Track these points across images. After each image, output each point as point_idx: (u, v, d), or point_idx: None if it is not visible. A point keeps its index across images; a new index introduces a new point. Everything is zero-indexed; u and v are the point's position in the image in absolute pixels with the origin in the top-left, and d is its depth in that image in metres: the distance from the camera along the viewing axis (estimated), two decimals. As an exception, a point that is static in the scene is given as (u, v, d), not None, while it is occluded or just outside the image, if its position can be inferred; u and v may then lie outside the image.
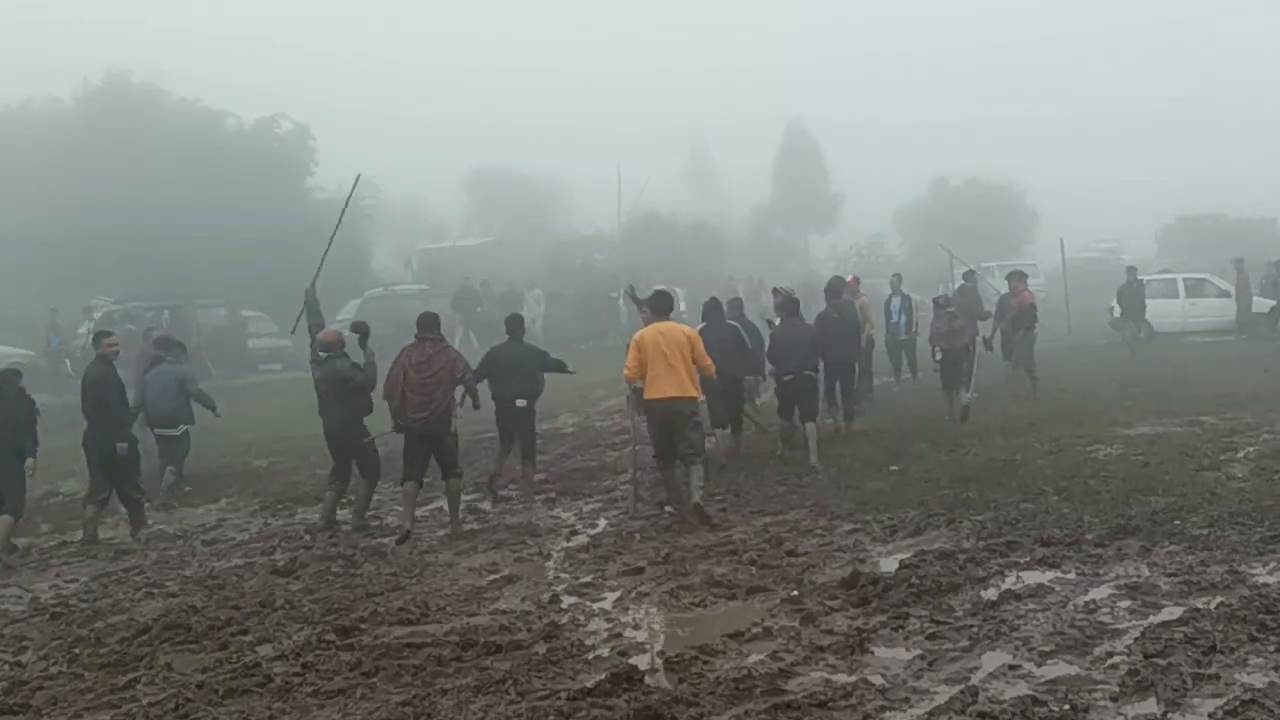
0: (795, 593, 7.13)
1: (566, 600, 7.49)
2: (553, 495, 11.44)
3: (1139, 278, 23.23)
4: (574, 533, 9.66)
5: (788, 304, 13.29)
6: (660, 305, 10.35)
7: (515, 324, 12.17)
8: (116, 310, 26.85)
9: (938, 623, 6.40)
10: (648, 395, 9.81)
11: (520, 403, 11.48)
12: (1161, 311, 26.11)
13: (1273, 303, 25.06)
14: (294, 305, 30.63)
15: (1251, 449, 11.23)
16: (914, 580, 7.14)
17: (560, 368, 12.03)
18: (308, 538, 10.15)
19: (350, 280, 34.79)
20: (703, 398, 10.27)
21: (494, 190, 56.09)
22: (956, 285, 21.25)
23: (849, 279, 17.81)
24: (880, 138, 71.70)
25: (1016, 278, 17.70)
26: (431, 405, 10.05)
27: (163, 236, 32.92)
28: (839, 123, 64.56)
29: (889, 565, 7.78)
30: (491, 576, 8.25)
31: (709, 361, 10.04)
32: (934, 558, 7.78)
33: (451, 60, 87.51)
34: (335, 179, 39.82)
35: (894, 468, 11.33)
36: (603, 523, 9.99)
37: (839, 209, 59.66)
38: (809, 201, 58.06)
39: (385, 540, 9.84)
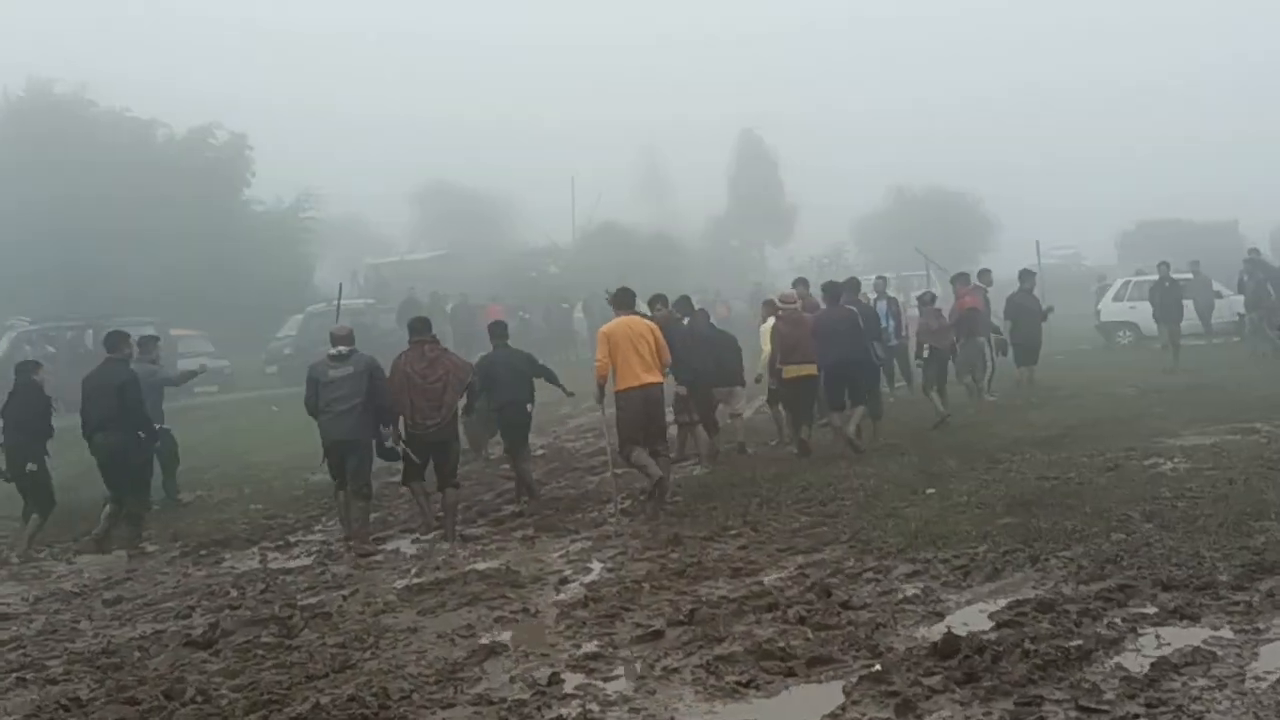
0: (877, 667, 5.41)
1: (571, 680, 5.71)
2: (531, 533, 9.64)
3: (1172, 275, 20.49)
4: (564, 581, 7.87)
5: (830, 290, 13.06)
6: (623, 300, 10.48)
7: (500, 330, 11.78)
8: (34, 330, 24.73)
9: (1087, 710, 4.72)
10: (622, 385, 9.95)
11: (529, 407, 11.35)
12: (1146, 314, 24.92)
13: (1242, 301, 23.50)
14: (231, 322, 28.81)
15: (1341, 461, 9.73)
16: (1027, 645, 5.46)
17: (552, 376, 11.73)
18: (234, 594, 8.27)
19: (292, 296, 32.82)
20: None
21: (441, 205, 54.06)
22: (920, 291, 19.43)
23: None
24: (835, 146, 70.43)
25: (960, 280, 16.16)
26: (443, 409, 9.85)
27: (89, 252, 30.76)
28: (794, 133, 63.46)
29: (979, 621, 6.11)
30: (468, 645, 6.46)
31: (669, 355, 10.43)
32: (1034, 610, 6.13)
33: (396, 72, 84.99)
34: (274, 190, 38.04)
35: (930, 490, 9.68)
36: (597, 566, 8.21)
37: (795, 219, 58.52)
38: (765, 212, 56.76)
39: (330, 593, 8.00)
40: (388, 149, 67.02)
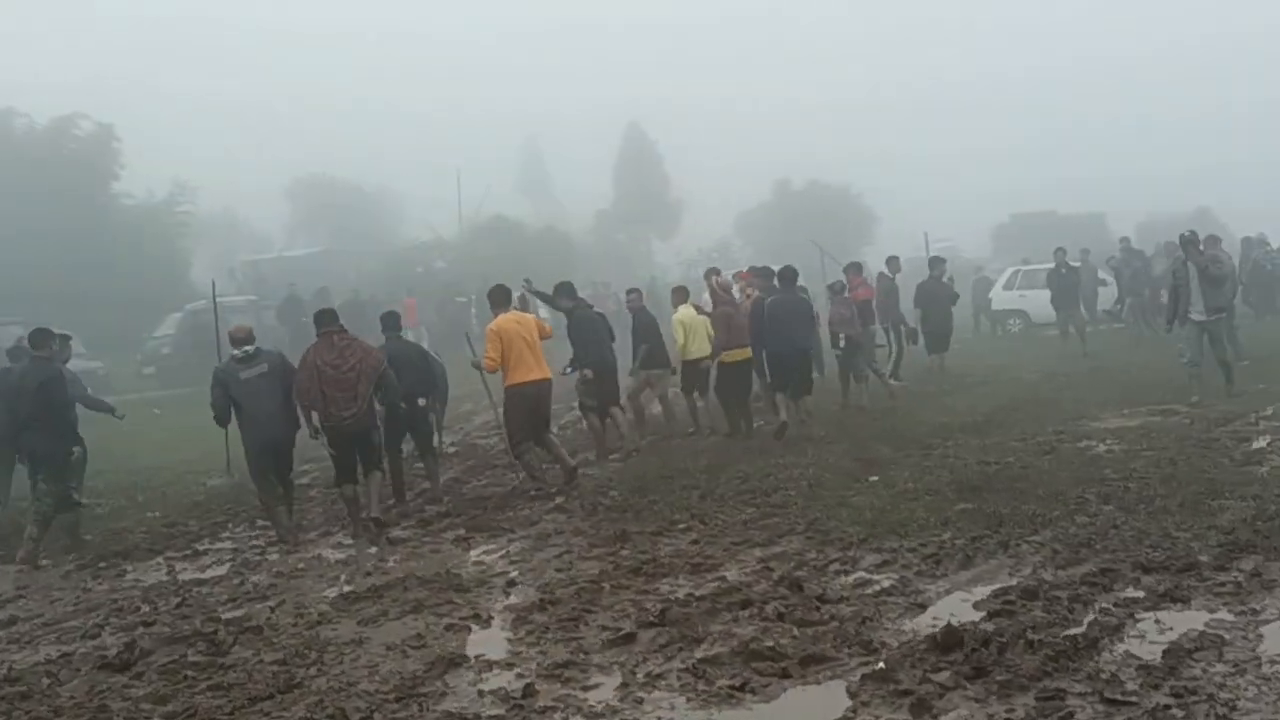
0: (880, 664, 5.09)
1: (546, 691, 5.27)
2: (463, 533, 9.11)
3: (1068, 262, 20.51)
4: (512, 583, 7.38)
5: (785, 274, 13.01)
6: (500, 298, 10.79)
7: (392, 320, 11.44)
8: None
9: (1114, 703, 4.48)
10: (516, 379, 10.42)
11: (421, 400, 10.86)
12: (1040, 301, 25.42)
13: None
14: (102, 321, 27.27)
15: (1268, 439, 9.84)
16: (1029, 635, 5.22)
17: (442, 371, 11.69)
18: (145, 609, 7.57)
19: (168, 294, 31.29)
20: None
21: (317, 199, 52.55)
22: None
23: (742, 271, 16.09)
24: (718, 140, 70.85)
25: (853, 270, 16.07)
26: (358, 400, 9.49)
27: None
28: (678, 127, 63.49)
29: (965, 611, 5.87)
30: (422, 656, 5.95)
31: (550, 331, 11.21)
32: (1020, 598, 5.92)
33: (262, 61, 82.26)
34: (144, 184, 36.25)
35: (873, 478, 9.47)
36: (544, 566, 7.73)
37: (681, 214, 58.62)
38: (651, 206, 56.70)
39: (255, 605, 7.37)
40: (257, 142, 65.19)
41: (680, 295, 14.08)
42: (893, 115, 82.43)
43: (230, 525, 10.45)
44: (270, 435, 9.45)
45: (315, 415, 9.58)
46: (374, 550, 8.84)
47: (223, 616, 7.11)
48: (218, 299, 29.24)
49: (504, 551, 8.35)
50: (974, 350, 21.06)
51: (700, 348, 13.35)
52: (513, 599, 7.01)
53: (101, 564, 9.14)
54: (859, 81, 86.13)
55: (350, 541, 9.30)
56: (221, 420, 9.69)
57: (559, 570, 7.55)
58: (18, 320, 25.89)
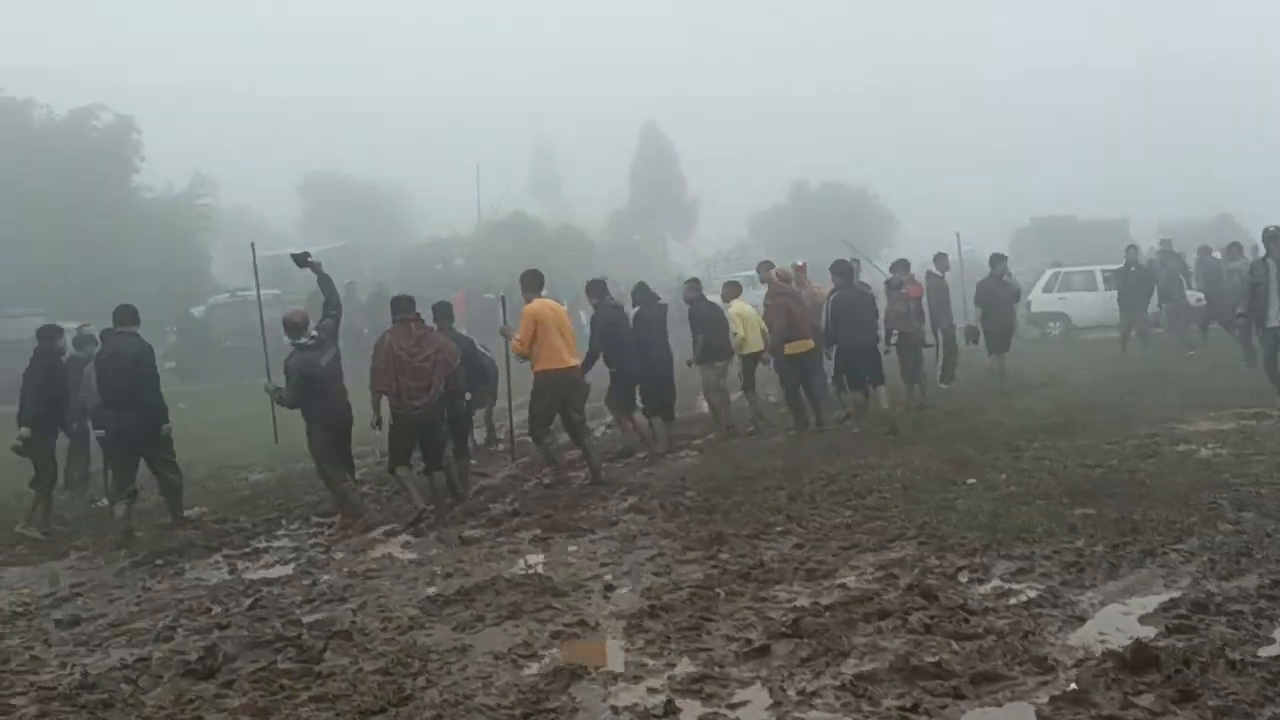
0: (1073, 685, 4.59)
1: (689, 710, 4.78)
2: (539, 533, 8.61)
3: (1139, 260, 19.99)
4: (610, 587, 6.89)
5: (840, 268, 12.96)
6: (534, 282, 10.63)
7: (444, 310, 11.27)
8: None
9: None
10: (548, 365, 10.24)
11: (467, 395, 10.57)
12: (1082, 304, 24.97)
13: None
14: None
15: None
16: (1228, 655, 4.72)
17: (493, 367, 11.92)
18: (216, 610, 7.08)
19: (190, 287, 30.83)
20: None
21: (332, 195, 52.02)
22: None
23: (799, 264, 15.52)
24: (736, 143, 70.34)
25: (901, 267, 15.50)
26: (431, 390, 9.31)
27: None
28: (694, 128, 62.98)
29: (1130, 625, 5.40)
30: (537, 667, 5.47)
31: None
32: (1193, 611, 5.43)
33: (277, 56, 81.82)
34: (164, 177, 35.69)
35: (971, 481, 8.97)
36: (640, 569, 7.22)
37: (697, 214, 58.14)
38: (666, 206, 56.20)
39: (335, 608, 6.87)
40: (268, 139, 64.70)
41: (733, 290, 13.88)
42: (906, 117, 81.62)
43: (284, 522, 9.96)
44: (346, 417, 9.50)
45: (385, 403, 9.37)
46: (447, 550, 8.33)
47: (303, 620, 6.61)
48: (239, 293, 28.96)
49: (589, 553, 7.84)
50: (1017, 352, 20.48)
51: (756, 342, 13.13)
52: (616, 604, 6.51)
53: (158, 561, 8.63)
54: (869, 83, 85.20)
55: (417, 540, 8.82)
56: (294, 406, 9.54)
57: (657, 574, 7.05)
58: (40, 312, 25.51)
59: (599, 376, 11.99)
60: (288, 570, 8.13)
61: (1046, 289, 25.80)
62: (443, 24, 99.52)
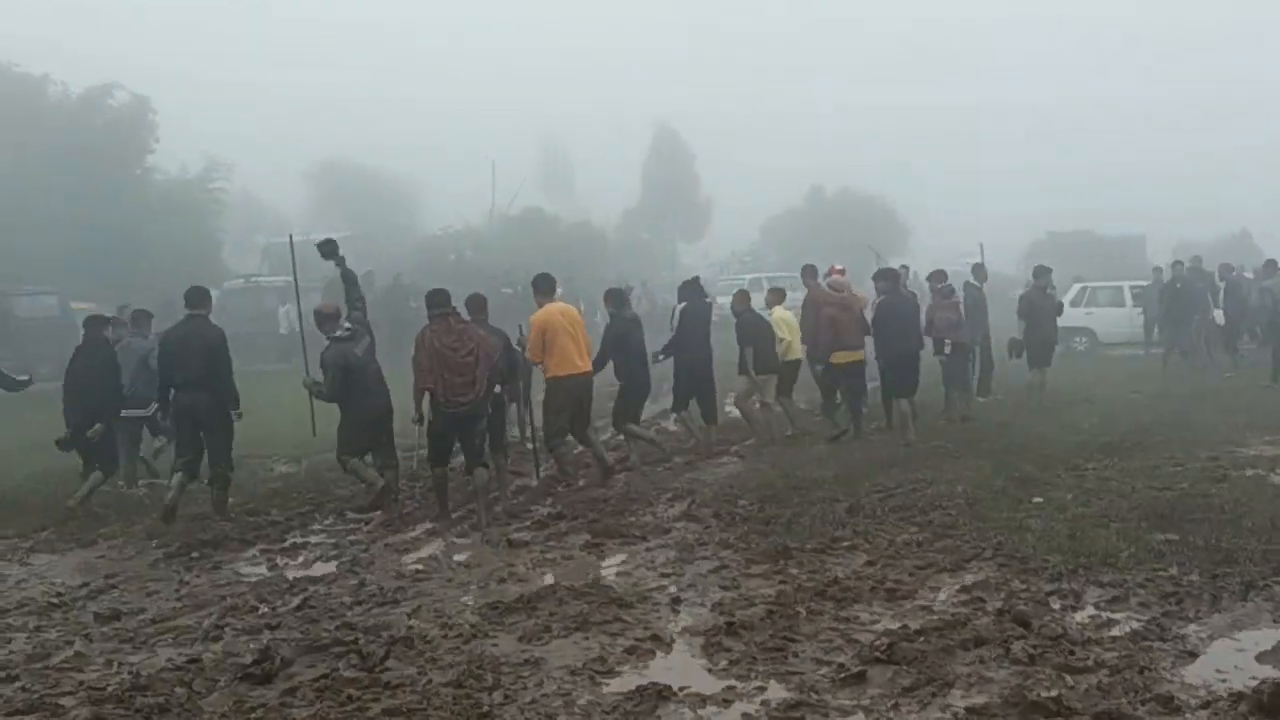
0: (1210, 729, 4.29)
1: (797, 740, 4.47)
2: (590, 538, 8.29)
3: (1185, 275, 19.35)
4: (677, 600, 6.58)
5: (887, 275, 12.83)
6: (544, 286, 10.54)
7: (478, 303, 10.23)
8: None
9: None
10: (560, 371, 10.16)
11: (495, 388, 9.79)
12: (1109, 320, 24.67)
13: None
14: (135, 298, 26.46)
15: None
16: (1375, 700, 4.41)
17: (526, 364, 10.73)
18: (263, 609, 6.77)
19: (200, 272, 30.43)
20: None
21: (339, 184, 51.51)
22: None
23: (838, 268, 15.20)
24: (749, 146, 69.99)
25: (937, 277, 14.87)
26: (476, 385, 9.00)
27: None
28: (709, 128, 62.71)
29: (1247, 663, 5.10)
30: (617, 684, 5.16)
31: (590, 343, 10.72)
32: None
33: (288, 47, 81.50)
34: (179, 159, 35.36)
35: (1037, 499, 8.66)
36: (713, 586, 6.87)
37: (710, 216, 57.86)
38: (678, 206, 55.90)
39: (389, 611, 6.56)
40: (276, 126, 64.28)
41: (777, 296, 13.76)
42: (924, 133, 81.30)
43: (318, 516, 9.65)
44: (384, 407, 9.40)
45: (426, 399, 9.05)
46: (495, 552, 8.02)
47: (356, 623, 6.30)
48: (254, 279, 28.60)
49: (645, 561, 7.52)
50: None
51: (798, 349, 13.06)
52: (687, 619, 6.20)
53: (193, 554, 8.32)
54: (889, 100, 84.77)
55: (462, 540, 8.51)
56: (333, 400, 9.36)
57: (725, 588, 6.75)
58: (51, 290, 25.28)
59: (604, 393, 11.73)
60: (330, 568, 7.82)
61: (1074, 304, 25.45)
62: (457, 19, 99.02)
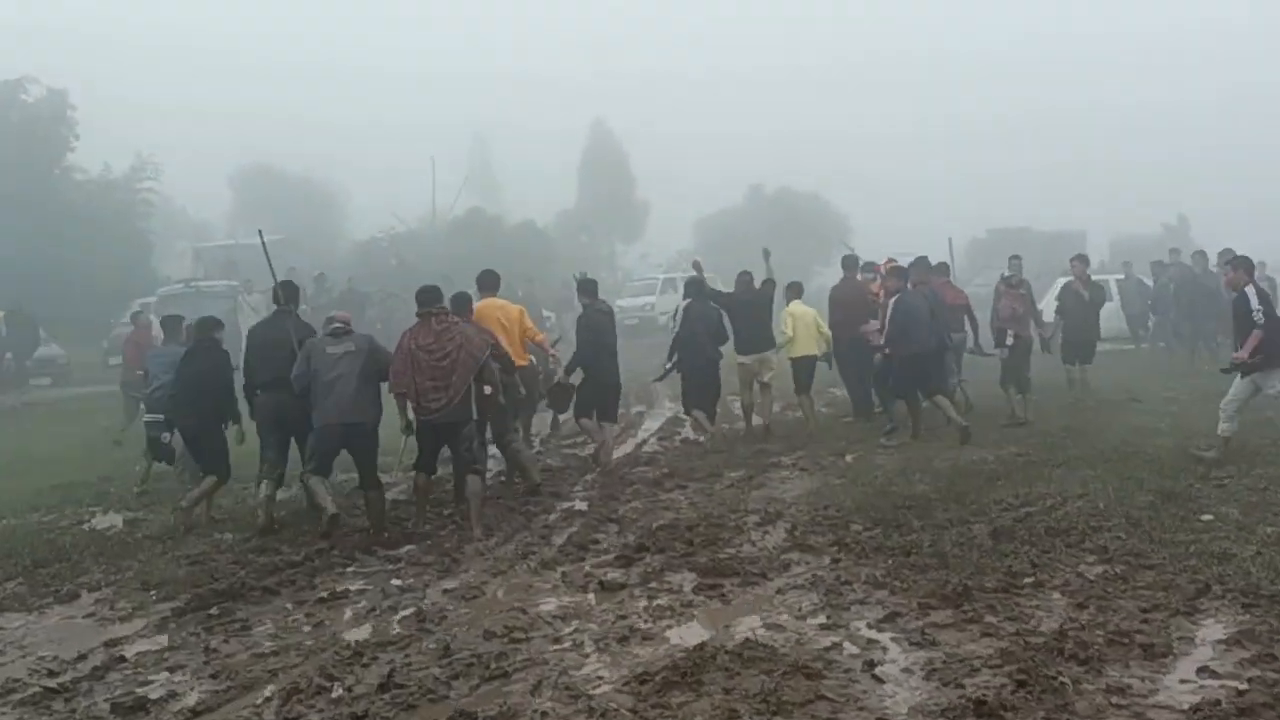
0: None
1: None
2: (698, 578, 6.86)
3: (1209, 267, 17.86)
4: (871, 664, 5.17)
5: (898, 273, 12.07)
6: (488, 281, 10.80)
7: (462, 302, 9.93)
8: None
9: None
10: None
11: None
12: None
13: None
14: (59, 306, 24.32)
15: None
16: None
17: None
18: (339, 692, 5.23)
19: (129, 278, 28.30)
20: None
21: (263, 190, 49.04)
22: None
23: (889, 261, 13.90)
24: (682, 148, 68.61)
25: (940, 270, 14.08)
26: (450, 390, 8.46)
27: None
28: (643, 133, 61.19)
29: None
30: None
31: (541, 336, 11.27)
32: None
33: (215, 47, 78.07)
34: (100, 158, 32.99)
35: (1206, 517, 7.47)
36: (904, 642, 5.51)
37: (646, 217, 56.62)
38: (615, 207, 54.57)
39: (501, 687, 5.08)
40: (194, 130, 61.19)
41: (796, 290, 13.42)
42: (857, 139, 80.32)
43: (337, 552, 8.09)
44: (344, 419, 8.51)
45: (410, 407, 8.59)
46: (594, 598, 6.57)
47: (473, 709, 4.82)
48: (195, 283, 26.54)
49: (790, 607, 6.14)
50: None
51: (807, 347, 12.74)
52: (905, 693, 4.83)
53: (210, 610, 6.72)
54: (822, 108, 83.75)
55: (540, 579, 7.05)
56: (302, 392, 8.69)
57: (918, 644, 5.39)
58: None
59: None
60: (393, 626, 6.29)
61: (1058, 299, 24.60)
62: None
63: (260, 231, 13.05)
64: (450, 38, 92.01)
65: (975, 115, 77.26)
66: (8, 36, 50.37)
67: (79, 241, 27.81)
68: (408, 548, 8.11)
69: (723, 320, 12.34)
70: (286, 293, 9.46)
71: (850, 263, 14.20)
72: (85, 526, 9.53)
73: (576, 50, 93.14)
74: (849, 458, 10.72)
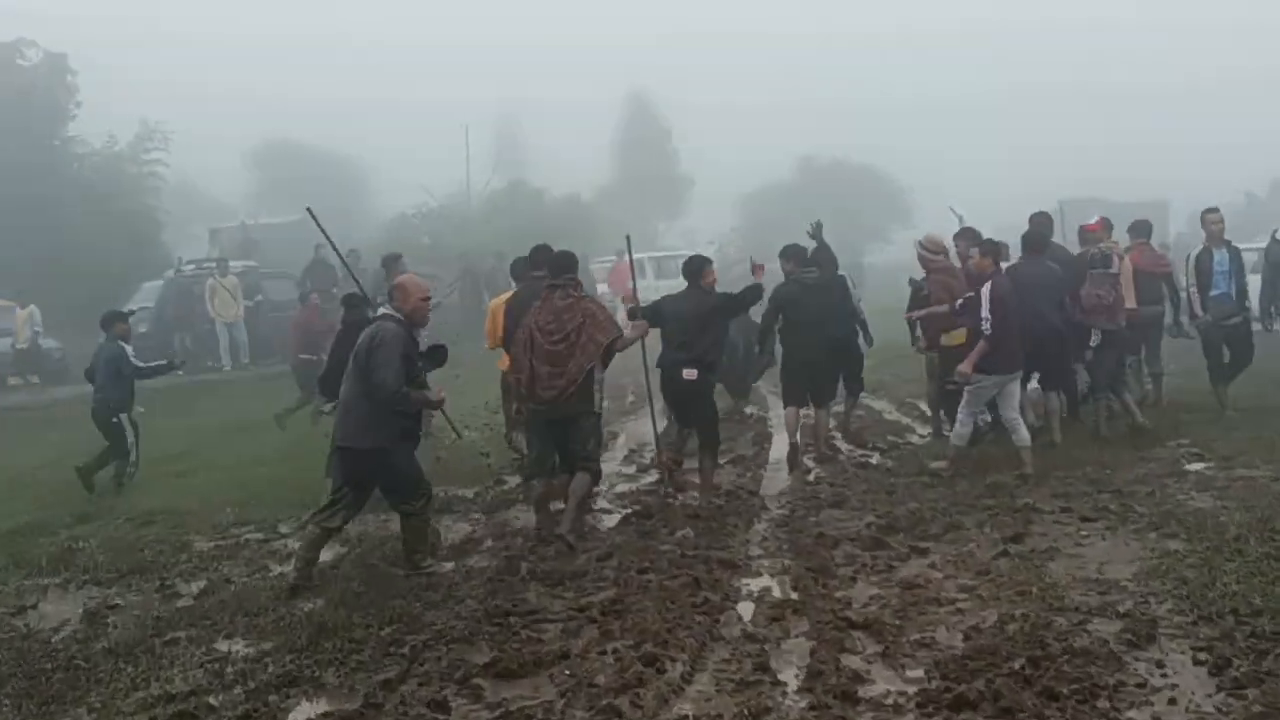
0: None
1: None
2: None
3: None
4: None
5: (1033, 240, 10.62)
6: (521, 269, 9.92)
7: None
8: None
9: None
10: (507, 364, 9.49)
11: (688, 374, 8.61)
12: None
13: None
14: (57, 291, 22.06)
15: None
16: None
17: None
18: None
19: (137, 257, 26.06)
20: None
21: (285, 168, 46.61)
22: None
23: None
24: (728, 120, 65.57)
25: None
26: (565, 377, 7.68)
27: None
28: (685, 104, 58.39)
29: None
30: None
31: None
32: None
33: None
34: (104, 128, 30.57)
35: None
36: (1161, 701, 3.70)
37: (688, 192, 53.97)
38: (655, 184, 51.91)
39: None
40: (208, 107, 59.08)
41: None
42: (907, 114, 76.76)
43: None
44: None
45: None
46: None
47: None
48: (206, 264, 24.31)
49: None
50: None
51: None
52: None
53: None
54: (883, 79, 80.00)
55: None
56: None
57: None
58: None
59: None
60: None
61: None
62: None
63: (310, 209, 10.83)
64: (476, 4, 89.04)
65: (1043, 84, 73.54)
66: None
67: (81, 218, 25.67)
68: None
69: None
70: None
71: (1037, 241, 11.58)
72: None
73: (610, 20, 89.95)
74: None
